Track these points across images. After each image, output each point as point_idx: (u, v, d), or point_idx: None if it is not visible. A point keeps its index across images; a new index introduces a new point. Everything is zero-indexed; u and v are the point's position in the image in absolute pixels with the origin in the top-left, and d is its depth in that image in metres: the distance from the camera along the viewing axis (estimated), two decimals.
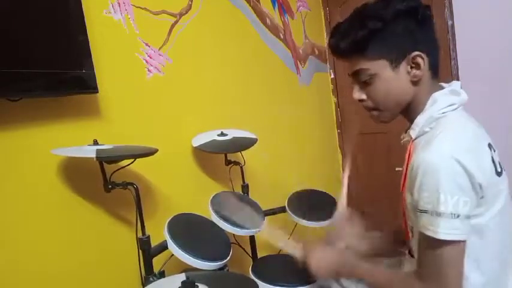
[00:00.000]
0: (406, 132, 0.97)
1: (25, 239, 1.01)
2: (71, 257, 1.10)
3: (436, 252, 0.78)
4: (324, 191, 1.82)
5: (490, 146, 0.86)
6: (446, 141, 0.81)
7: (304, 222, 1.56)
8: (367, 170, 3.00)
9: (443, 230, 0.76)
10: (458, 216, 0.76)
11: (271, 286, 1.24)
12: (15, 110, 0.99)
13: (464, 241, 0.78)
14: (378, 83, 0.89)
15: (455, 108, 0.88)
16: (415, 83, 0.89)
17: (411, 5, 0.85)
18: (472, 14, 2.47)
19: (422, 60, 0.86)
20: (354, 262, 0.98)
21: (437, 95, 0.88)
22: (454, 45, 2.55)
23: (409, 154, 0.90)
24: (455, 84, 0.92)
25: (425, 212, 0.79)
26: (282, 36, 2.36)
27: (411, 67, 0.87)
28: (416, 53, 0.86)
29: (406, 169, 0.90)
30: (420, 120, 0.89)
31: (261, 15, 2.14)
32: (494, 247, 0.86)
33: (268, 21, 2.21)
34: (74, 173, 1.13)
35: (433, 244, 0.78)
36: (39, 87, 0.99)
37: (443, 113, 0.87)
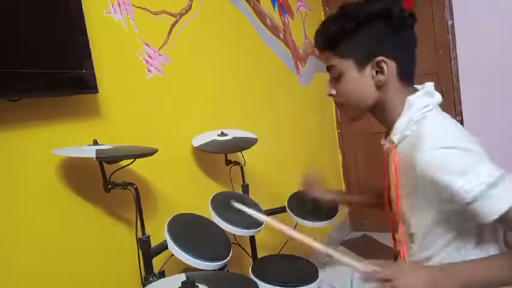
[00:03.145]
0: (385, 138, 0.98)
1: (25, 239, 1.00)
2: (70, 257, 1.10)
3: None
4: None
5: None
6: (437, 134, 0.82)
7: (304, 222, 1.56)
8: (367, 170, 3.00)
9: (509, 193, 0.72)
10: (504, 175, 0.74)
11: (271, 286, 1.24)
12: (15, 110, 0.99)
13: None
14: (344, 81, 0.92)
15: (431, 109, 0.88)
16: (379, 87, 0.90)
17: (387, 10, 0.85)
18: (472, 14, 2.47)
19: (387, 66, 0.87)
20: (450, 267, 0.81)
21: (412, 98, 0.89)
22: (454, 45, 2.55)
23: (395, 161, 0.91)
24: (428, 86, 0.92)
25: (476, 200, 0.74)
26: (282, 36, 2.36)
27: (376, 71, 0.88)
28: (381, 58, 0.86)
29: (396, 177, 0.91)
30: (400, 124, 0.89)
31: (261, 16, 2.14)
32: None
33: (268, 21, 2.21)
34: (73, 173, 1.13)
35: None
36: (39, 87, 0.99)
37: (422, 113, 0.87)
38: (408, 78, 0.91)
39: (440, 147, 0.78)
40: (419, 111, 0.87)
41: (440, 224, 0.86)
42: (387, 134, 0.98)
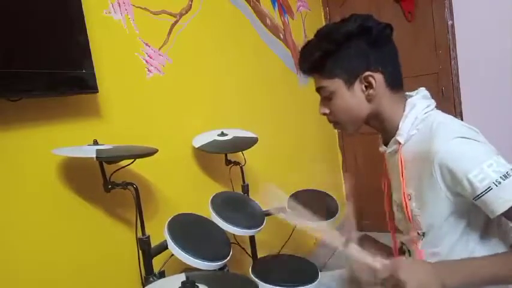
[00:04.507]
0: (384, 143, 1.00)
1: (25, 239, 1.00)
2: (70, 257, 1.10)
3: None
4: (324, 191, 1.82)
5: None
6: (448, 127, 0.85)
7: (304, 222, 1.56)
8: (367, 170, 3.00)
9: None
10: None
11: (271, 286, 1.24)
12: (15, 110, 0.99)
13: None
14: (336, 100, 0.94)
15: (433, 109, 0.92)
16: (370, 100, 0.92)
17: (364, 26, 0.88)
18: (472, 14, 2.47)
19: (374, 80, 0.89)
20: (455, 262, 0.82)
21: (413, 100, 0.92)
22: (454, 45, 2.55)
23: (402, 161, 0.92)
24: (422, 90, 0.95)
25: (489, 189, 0.75)
26: (282, 36, 2.36)
27: (365, 86, 0.91)
28: (368, 73, 0.89)
29: (403, 177, 0.92)
30: (406, 125, 0.90)
31: (261, 15, 2.14)
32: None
33: (268, 21, 2.21)
34: (74, 173, 1.13)
35: None
36: (39, 87, 0.99)
37: (425, 113, 0.90)
38: (397, 85, 0.94)
39: (456, 136, 0.81)
40: (423, 111, 0.90)
41: (450, 220, 0.87)
42: (385, 140, 0.99)
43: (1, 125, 0.98)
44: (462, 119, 2.52)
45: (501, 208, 0.75)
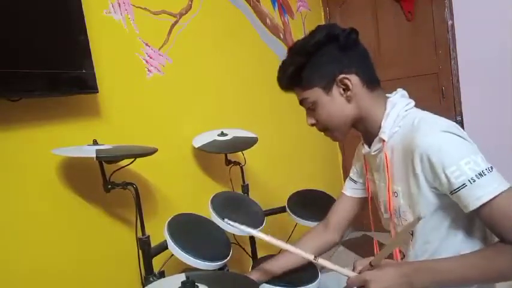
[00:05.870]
0: (364, 144, 1.04)
1: (25, 239, 1.01)
2: (70, 256, 1.10)
3: (503, 209, 0.76)
4: (324, 191, 1.81)
5: None
6: (431, 121, 0.87)
7: (304, 222, 1.56)
8: None
9: (494, 184, 0.77)
10: (492, 168, 0.79)
11: (271, 286, 1.24)
12: (15, 110, 0.99)
13: None
14: (319, 108, 0.98)
15: (412, 107, 0.95)
16: (350, 101, 0.96)
17: (331, 34, 0.93)
18: (472, 14, 2.47)
19: (349, 81, 0.93)
20: (426, 264, 0.82)
21: (394, 98, 0.96)
22: (454, 45, 2.55)
23: (387, 158, 0.94)
24: (400, 91, 0.99)
25: (463, 186, 0.78)
26: (282, 36, 2.36)
27: (343, 89, 0.95)
28: (341, 76, 0.93)
29: (388, 174, 0.94)
30: (388, 123, 0.93)
31: (261, 15, 2.15)
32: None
33: (268, 21, 2.21)
34: (73, 173, 1.13)
35: (496, 205, 0.77)
36: (39, 87, 0.99)
37: (406, 110, 0.93)
38: (374, 84, 0.97)
39: (440, 130, 0.83)
40: (403, 109, 0.93)
41: (435, 217, 0.89)
42: (368, 142, 1.02)
43: (1, 125, 0.98)
44: (462, 119, 2.52)
45: (472, 205, 0.78)
